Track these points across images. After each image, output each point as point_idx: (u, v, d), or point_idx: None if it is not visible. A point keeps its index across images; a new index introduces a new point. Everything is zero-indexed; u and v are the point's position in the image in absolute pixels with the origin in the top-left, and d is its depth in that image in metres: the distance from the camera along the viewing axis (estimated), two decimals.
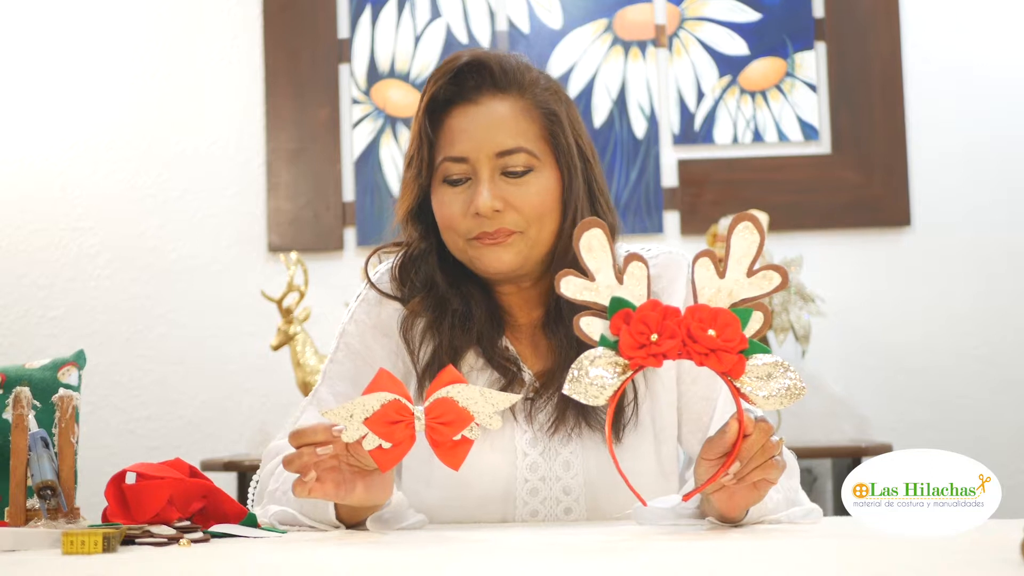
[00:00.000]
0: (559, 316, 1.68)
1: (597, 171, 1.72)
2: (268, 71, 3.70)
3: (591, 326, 1.33)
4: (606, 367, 1.32)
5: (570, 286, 1.34)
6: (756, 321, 1.34)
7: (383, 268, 1.78)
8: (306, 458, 1.37)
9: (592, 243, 1.34)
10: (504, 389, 1.67)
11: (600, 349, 1.32)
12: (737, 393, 1.33)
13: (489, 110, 1.66)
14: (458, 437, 1.33)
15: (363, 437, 1.32)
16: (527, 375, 1.70)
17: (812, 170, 3.61)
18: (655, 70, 3.66)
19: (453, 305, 1.70)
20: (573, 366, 1.31)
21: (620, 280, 1.33)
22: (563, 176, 1.67)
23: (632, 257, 1.34)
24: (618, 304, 1.32)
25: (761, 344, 1.35)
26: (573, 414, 1.65)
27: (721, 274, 1.35)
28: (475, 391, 1.33)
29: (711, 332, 1.32)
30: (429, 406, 1.33)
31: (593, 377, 1.31)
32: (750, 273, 1.35)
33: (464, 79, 1.67)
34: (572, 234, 1.62)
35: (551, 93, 1.69)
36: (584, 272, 1.34)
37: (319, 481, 1.38)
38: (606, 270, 1.34)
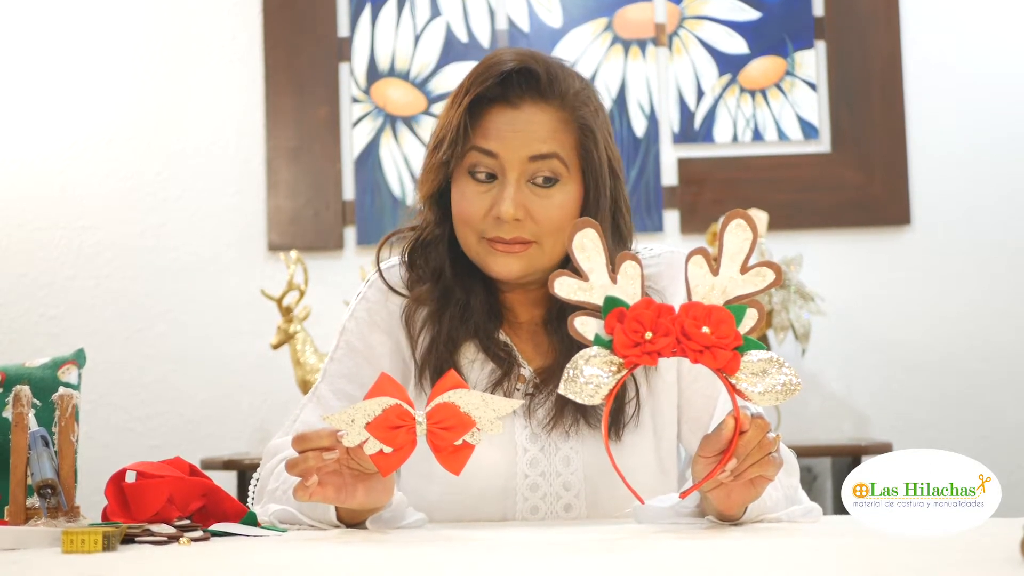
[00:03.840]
0: (560, 314, 1.68)
1: (623, 186, 1.71)
2: (268, 70, 3.70)
3: (586, 326, 1.33)
4: (601, 366, 1.32)
5: (564, 286, 1.34)
6: (750, 318, 1.35)
7: (393, 260, 1.78)
8: (310, 462, 1.37)
9: (585, 243, 1.34)
10: (501, 380, 1.67)
11: (595, 348, 1.32)
12: (732, 390, 1.34)
13: (528, 116, 1.65)
14: (459, 442, 1.33)
15: (364, 442, 1.32)
16: (527, 372, 1.70)
17: (812, 169, 3.61)
18: (655, 69, 3.66)
19: (456, 295, 1.70)
20: (568, 366, 1.32)
21: (614, 279, 1.34)
22: (588, 191, 1.67)
23: (625, 256, 1.34)
24: (612, 303, 1.33)
25: (756, 341, 1.35)
26: (571, 411, 1.65)
27: (715, 271, 1.35)
28: (477, 396, 1.33)
29: (705, 329, 1.32)
30: (430, 411, 1.33)
31: (588, 376, 1.31)
32: (744, 270, 1.35)
33: (510, 83, 1.65)
34: None
35: (589, 108, 1.68)
36: (578, 272, 1.34)
37: (320, 485, 1.38)
38: (599, 270, 1.34)
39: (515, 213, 1.62)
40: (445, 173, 1.68)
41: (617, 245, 1.68)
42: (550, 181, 1.64)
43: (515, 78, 1.66)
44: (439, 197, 1.71)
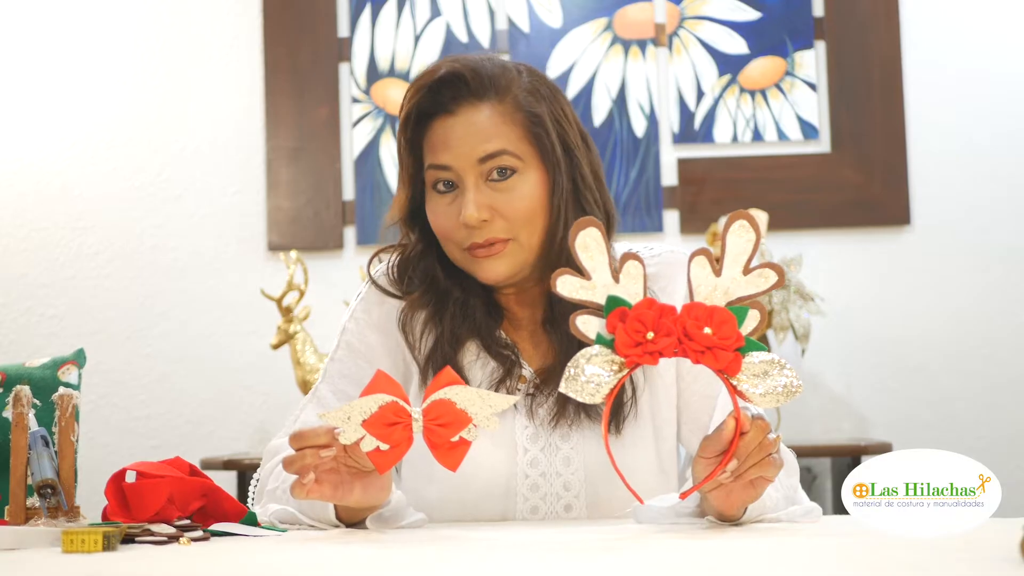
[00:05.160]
0: (560, 314, 1.68)
1: (585, 163, 1.70)
2: (268, 70, 3.70)
3: (587, 325, 1.33)
4: (602, 365, 1.32)
5: (566, 285, 1.34)
6: (752, 319, 1.34)
7: (384, 266, 1.79)
8: (308, 460, 1.37)
9: (588, 242, 1.34)
10: (503, 378, 1.68)
11: (596, 347, 1.32)
12: (733, 391, 1.34)
13: (467, 119, 1.66)
14: (456, 439, 1.33)
15: (361, 439, 1.32)
16: (527, 372, 1.70)
17: (812, 169, 3.61)
18: (655, 69, 3.66)
19: (454, 295, 1.71)
20: (569, 365, 1.32)
21: (616, 279, 1.34)
22: (549, 176, 1.67)
23: (628, 256, 1.34)
24: (614, 303, 1.33)
25: (757, 342, 1.35)
26: (573, 407, 1.66)
27: (717, 272, 1.35)
28: (473, 392, 1.33)
29: (707, 330, 1.32)
30: (427, 407, 1.33)
31: (589, 375, 1.31)
32: (746, 271, 1.35)
33: (440, 91, 1.67)
34: (562, 234, 1.63)
35: (531, 93, 1.68)
36: (580, 271, 1.34)
37: (317, 482, 1.38)
38: (602, 269, 1.34)
39: (480, 215, 1.63)
40: (408, 196, 1.71)
41: None
42: (505, 172, 1.65)
43: (443, 86, 1.67)
44: (414, 215, 1.72)
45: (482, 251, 1.65)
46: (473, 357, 1.71)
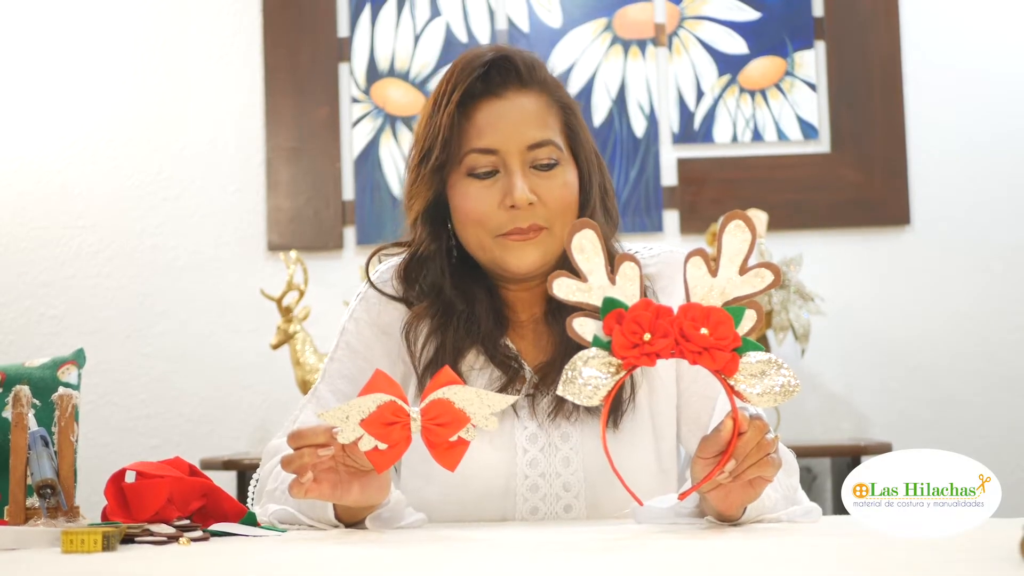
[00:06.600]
0: (560, 309, 1.67)
1: (605, 167, 1.74)
2: (268, 69, 3.70)
3: (584, 327, 1.33)
4: (599, 367, 1.32)
5: (563, 287, 1.34)
6: (749, 319, 1.34)
7: (384, 267, 1.78)
8: (306, 459, 1.37)
9: (584, 244, 1.34)
10: (505, 386, 1.67)
11: (594, 349, 1.32)
12: (731, 391, 1.34)
13: (516, 104, 1.67)
14: (454, 438, 1.33)
15: (359, 438, 1.32)
16: (528, 373, 1.70)
17: (812, 169, 3.61)
18: (655, 69, 3.66)
19: (459, 308, 1.70)
20: (567, 367, 1.32)
21: (612, 280, 1.34)
22: (582, 171, 1.69)
23: (624, 257, 1.34)
24: (611, 304, 1.33)
25: (755, 342, 1.35)
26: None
27: (713, 273, 1.35)
28: (471, 392, 1.33)
29: (704, 331, 1.32)
30: (425, 407, 1.33)
31: (587, 377, 1.31)
32: (742, 271, 1.35)
33: (491, 75, 1.67)
34: None
35: (564, 91, 1.72)
36: (577, 273, 1.34)
37: (315, 482, 1.38)
38: (598, 271, 1.34)
39: (529, 197, 1.64)
40: (440, 178, 1.68)
41: (608, 227, 1.70)
42: (550, 166, 1.66)
43: (493, 69, 1.67)
44: (430, 211, 1.71)
45: (519, 236, 1.65)
46: (475, 365, 1.70)
